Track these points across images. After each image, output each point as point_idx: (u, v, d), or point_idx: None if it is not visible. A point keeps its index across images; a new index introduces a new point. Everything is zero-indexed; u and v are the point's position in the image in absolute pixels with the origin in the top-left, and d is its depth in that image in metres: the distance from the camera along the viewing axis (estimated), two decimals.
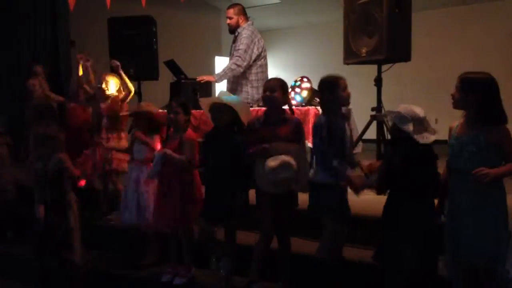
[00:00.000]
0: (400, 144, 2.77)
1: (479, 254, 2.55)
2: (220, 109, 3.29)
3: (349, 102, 3.06)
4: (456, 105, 2.65)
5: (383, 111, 4.36)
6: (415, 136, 2.67)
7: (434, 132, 2.74)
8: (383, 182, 2.80)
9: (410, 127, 2.68)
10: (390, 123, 2.89)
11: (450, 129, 2.73)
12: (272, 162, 2.93)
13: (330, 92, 2.98)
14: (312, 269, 3.16)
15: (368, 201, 3.86)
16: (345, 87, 3.00)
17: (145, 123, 3.83)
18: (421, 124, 2.71)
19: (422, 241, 2.67)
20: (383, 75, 4.40)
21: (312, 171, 3.07)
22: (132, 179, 3.81)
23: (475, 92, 2.54)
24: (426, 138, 2.69)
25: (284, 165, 2.91)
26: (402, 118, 2.72)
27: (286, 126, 3.08)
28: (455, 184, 2.65)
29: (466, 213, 2.58)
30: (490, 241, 2.53)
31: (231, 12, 5.19)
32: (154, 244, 3.91)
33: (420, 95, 7.92)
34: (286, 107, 3.32)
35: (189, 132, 3.54)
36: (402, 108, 2.76)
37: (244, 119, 3.26)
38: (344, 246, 3.12)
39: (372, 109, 4.39)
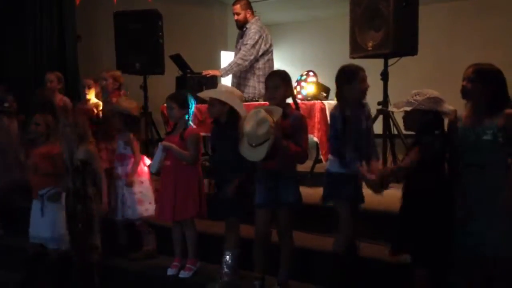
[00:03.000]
0: (433, 129, 2.72)
1: (494, 249, 2.52)
2: (211, 103, 3.32)
3: (365, 95, 3.02)
4: (469, 95, 2.63)
5: (389, 104, 4.34)
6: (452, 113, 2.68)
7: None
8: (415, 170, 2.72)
9: (449, 106, 2.67)
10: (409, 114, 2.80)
11: (453, 123, 2.71)
12: (248, 126, 2.88)
13: (347, 82, 2.95)
14: (324, 263, 3.17)
15: (375, 196, 3.85)
16: (364, 79, 2.97)
17: (121, 119, 3.89)
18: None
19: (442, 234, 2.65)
20: (390, 69, 4.38)
21: (328, 162, 3.08)
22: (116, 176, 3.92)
23: (490, 83, 2.55)
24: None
25: (260, 121, 2.85)
26: (438, 101, 2.69)
27: (285, 121, 3.03)
28: (470, 179, 2.61)
29: (482, 208, 2.55)
30: (507, 236, 2.51)
31: (238, 7, 5.17)
32: (147, 237, 3.97)
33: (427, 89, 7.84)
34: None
35: (190, 128, 3.55)
36: (425, 92, 2.73)
37: (239, 108, 3.25)
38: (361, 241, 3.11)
39: (378, 103, 4.37)
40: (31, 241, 3.89)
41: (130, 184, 3.83)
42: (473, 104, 2.65)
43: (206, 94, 3.53)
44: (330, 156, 3.09)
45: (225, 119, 3.30)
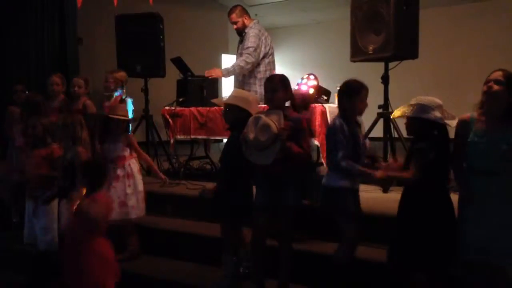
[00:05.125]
0: (427, 136, 2.70)
1: (498, 258, 2.51)
2: (225, 109, 3.32)
3: (362, 113, 3.04)
4: (491, 97, 2.56)
5: (389, 108, 4.36)
6: (445, 121, 2.63)
7: (453, 117, 2.70)
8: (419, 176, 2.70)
9: (436, 114, 2.64)
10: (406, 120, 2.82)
11: (462, 122, 2.67)
12: (250, 133, 2.93)
13: (348, 98, 2.96)
14: (321, 268, 3.17)
15: (376, 199, 3.87)
16: (365, 98, 2.98)
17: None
18: (441, 110, 2.68)
19: (441, 238, 2.65)
20: (390, 73, 4.38)
21: (325, 175, 3.07)
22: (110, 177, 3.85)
23: None
24: (450, 123, 2.67)
25: (261, 128, 2.88)
26: (424, 108, 2.67)
27: (285, 123, 3.00)
28: (479, 185, 2.57)
29: (492, 215, 2.52)
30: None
31: (234, 17, 5.16)
32: (131, 238, 3.97)
33: (427, 93, 7.83)
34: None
35: None
36: (419, 99, 2.72)
37: (254, 111, 3.24)
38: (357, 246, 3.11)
39: (379, 107, 4.38)
40: (26, 242, 3.86)
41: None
42: (492, 108, 2.58)
43: (222, 100, 3.50)
44: (327, 170, 3.08)
45: (236, 126, 3.26)
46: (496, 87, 2.54)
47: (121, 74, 4.61)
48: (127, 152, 3.97)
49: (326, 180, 3.04)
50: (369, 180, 2.96)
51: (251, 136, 2.92)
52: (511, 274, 2.53)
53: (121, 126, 3.98)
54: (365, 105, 3.00)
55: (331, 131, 2.99)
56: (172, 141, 5.09)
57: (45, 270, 3.90)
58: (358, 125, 3.06)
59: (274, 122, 2.91)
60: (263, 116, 2.94)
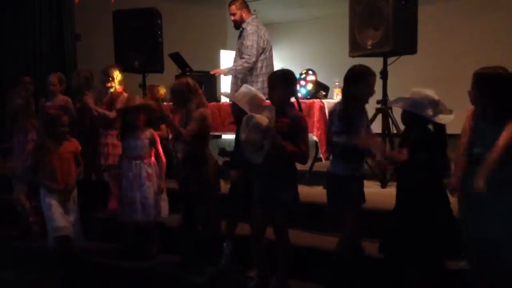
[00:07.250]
0: (416, 130, 2.74)
1: (494, 245, 2.52)
2: (233, 104, 3.35)
3: (367, 101, 3.01)
4: (472, 101, 2.65)
5: (388, 102, 4.35)
6: (435, 119, 2.65)
7: (450, 112, 2.72)
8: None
9: (429, 112, 2.65)
10: (401, 110, 2.84)
11: (469, 115, 2.69)
12: (243, 134, 2.95)
13: (354, 83, 2.93)
14: (324, 262, 3.17)
15: (375, 194, 3.87)
16: (371, 84, 2.95)
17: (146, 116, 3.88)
18: (436, 106, 2.69)
19: (436, 232, 2.67)
20: (389, 68, 4.38)
21: (330, 164, 3.06)
22: (132, 176, 3.80)
23: (487, 88, 2.53)
24: (444, 119, 2.68)
25: (252, 128, 2.90)
26: (418, 104, 2.68)
27: (283, 120, 3.01)
28: (473, 174, 2.59)
29: (483, 204, 2.54)
30: (507, 233, 2.51)
31: (233, 8, 5.18)
32: (155, 235, 3.95)
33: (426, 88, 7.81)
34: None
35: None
36: (415, 93, 2.73)
37: (250, 110, 3.20)
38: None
39: (378, 102, 4.37)
40: (57, 235, 3.74)
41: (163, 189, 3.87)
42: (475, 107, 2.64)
43: (227, 95, 3.65)
44: (332, 158, 3.07)
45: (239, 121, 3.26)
46: (470, 92, 2.62)
47: (113, 70, 4.51)
48: (148, 149, 3.86)
49: (331, 167, 3.04)
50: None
51: (243, 136, 2.94)
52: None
53: (140, 118, 3.82)
54: (371, 92, 2.97)
55: (332, 115, 3.01)
56: (170, 136, 5.08)
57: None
58: (365, 113, 3.04)
59: (267, 118, 2.91)
60: (255, 115, 2.94)
